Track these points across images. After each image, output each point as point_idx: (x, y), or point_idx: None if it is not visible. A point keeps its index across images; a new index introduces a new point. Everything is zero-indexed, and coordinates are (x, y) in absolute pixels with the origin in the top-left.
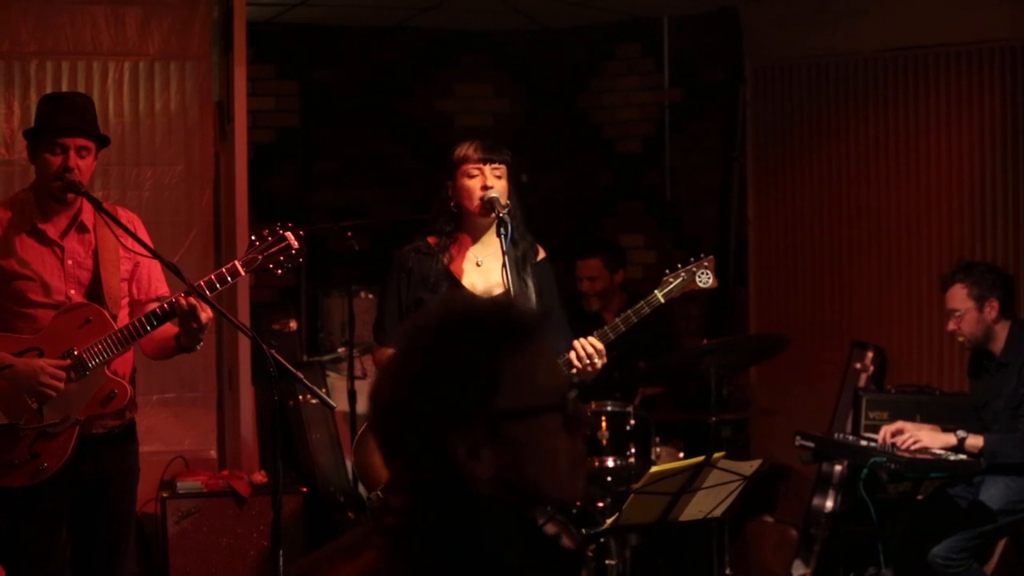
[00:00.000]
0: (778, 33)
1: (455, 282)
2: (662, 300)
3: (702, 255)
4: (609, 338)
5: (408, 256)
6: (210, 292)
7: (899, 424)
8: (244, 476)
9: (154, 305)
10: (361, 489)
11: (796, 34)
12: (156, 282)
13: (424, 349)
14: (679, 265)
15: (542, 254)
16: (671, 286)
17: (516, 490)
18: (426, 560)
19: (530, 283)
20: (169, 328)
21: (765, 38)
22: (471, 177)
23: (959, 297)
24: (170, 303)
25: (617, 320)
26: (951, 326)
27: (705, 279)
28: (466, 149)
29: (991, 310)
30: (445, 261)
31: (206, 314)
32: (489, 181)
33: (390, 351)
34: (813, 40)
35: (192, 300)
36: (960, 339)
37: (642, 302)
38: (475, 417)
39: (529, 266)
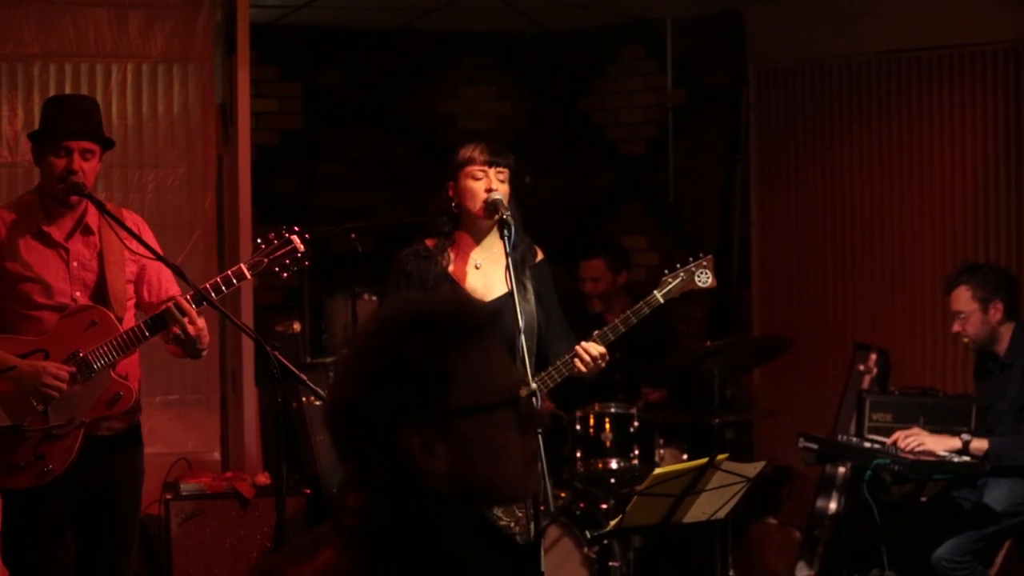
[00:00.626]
0: (781, 35)
1: (455, 285)
2: (661, 300)
3: (701, 255)
4: (609, 339)
5: (407, 260)
6: (216, 295)
7: (914, 429)
8: (247, 478)
9: (169, 305)
10: None
11: (799, 36)
12: (166, 283)
13: (377, 347)
14: (678, 265)
15: (540, 255)
16: (670, 286)
17: (469, 486)
18: (381, 557)
19: (529, 286)
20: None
21: (768, 40)
22: (475, 179)
23: (964, 299)
24: (155, 317)
25: (616, 321)
26: (956, 327)
27: (704, 279)
28: (471, 151)
29: (996, 312)
30: (444, 264)
31: (194, 327)
32: (493, 184)
33: None
34: (816, 42)
35: (183, 306)
36: (965, 340)
37: (641, 303)
38: (428, 413)
39: (528, 268)
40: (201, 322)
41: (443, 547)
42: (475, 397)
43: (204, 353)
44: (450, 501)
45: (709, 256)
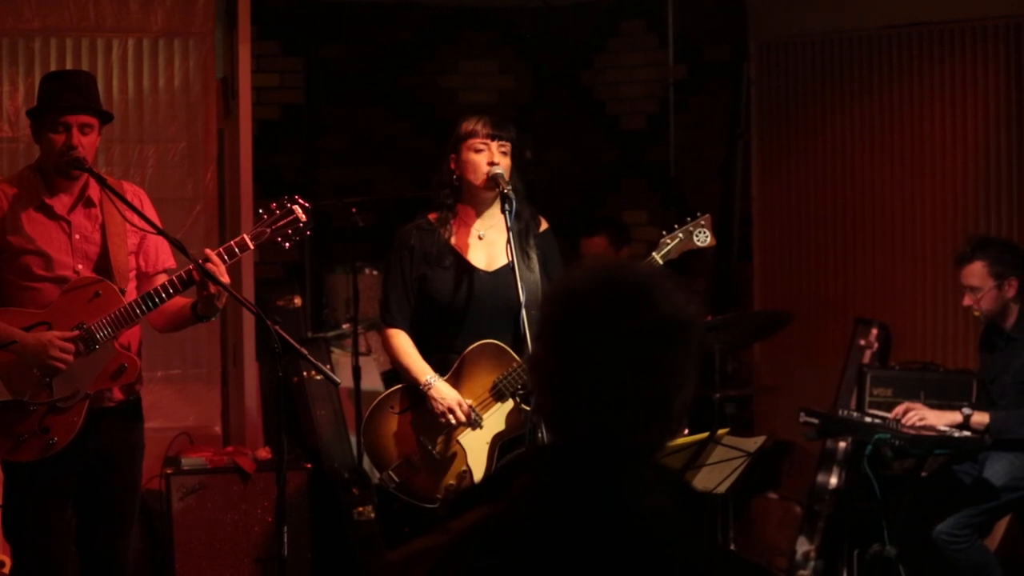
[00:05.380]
0: (782, 10)
1: (458, 257)
2: (660, 262)
3: (698, 213)
4: None
5: (410, 234)
6: None
7: (915, 404)
8: (248, 452)
9: (163, 278)
10: (366, 465)
11: (800, 11)
12: (163, 255)
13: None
14: (675, 225)
15: (544, 225)
16: (668, 247)
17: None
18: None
19: (533, 255)
20: (178, 300)
21: (769, 15)
22: (477, 152)
23: (979, 275)
24: (188, 273)
25: None
26: (967, 301)
27: (703, 237)
28: (473, 124)
29: (1010, 288)
30: (446, 236)
31: (224, 279)
32: (495, 157)
33: (397, 331)
34: (817, 17)
35: (211, 266)
36: (976, 314)
37: None
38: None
39: (532, 238)
40: (226, 280)
41: (657, 503)
42: None
43: (216, 316)
44: (657, 463)
45: (707, 215)
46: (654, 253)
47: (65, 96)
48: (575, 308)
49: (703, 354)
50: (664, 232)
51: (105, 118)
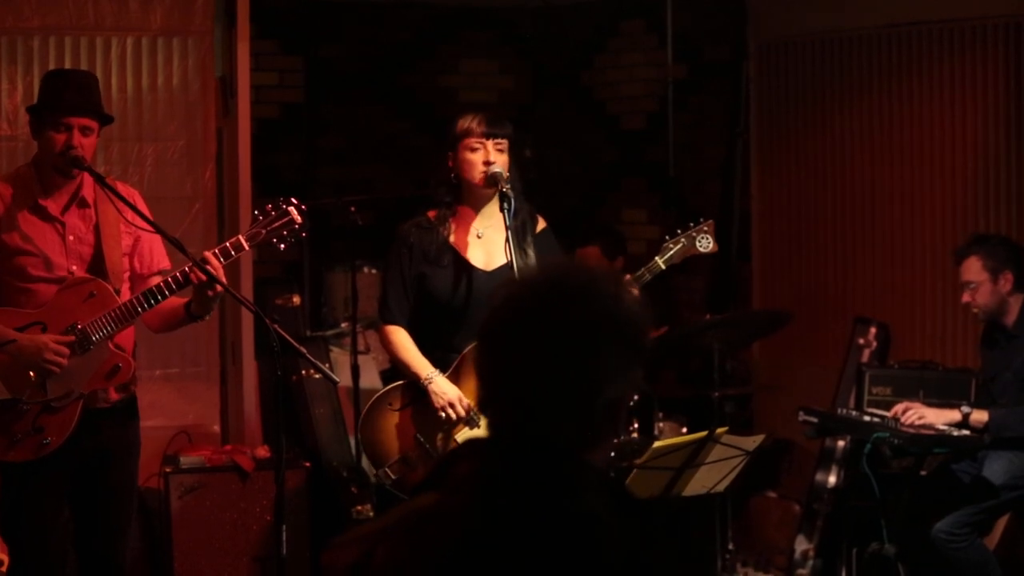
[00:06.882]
0: (782, 9)
1: (457, 256)
2: (663, 266)
3: (701, 219)
4: None
5: (409, 232)
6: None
7: (914, 404)
8: (247, 451)
9: (158, 279)
10: (364, 463)
11: (800, 10)
12: (158, 256)
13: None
14: (678, 230)
15: (542, 224)
16: (671, 252)
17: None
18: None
19: (531, 253)
20: (173, 300)
21: (769, 14)
22: (473, 151)
23: (974, 269)
24: (183, 273)
25: None
26: (965, 298)
27: (705, 243)
28: (469, 122)
29: (1006, 282)
30: (446, 235)
31: (221, 279)
32: (492, 156)
33: (396, 328)
34: (817, 16)
35: (209, 268)
36: (974, 311)
37: (643, 269)
38: (630, 379)
39: (529, 236)
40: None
41: (587, 508)
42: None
43: (208, 317)
44: (591, 464)
45: (710, 221)
46: (657, 257)
47: (68, 95)
48: (506, 304)
49: (644, 357)
50: (667, 236)
51: (106, 120)
